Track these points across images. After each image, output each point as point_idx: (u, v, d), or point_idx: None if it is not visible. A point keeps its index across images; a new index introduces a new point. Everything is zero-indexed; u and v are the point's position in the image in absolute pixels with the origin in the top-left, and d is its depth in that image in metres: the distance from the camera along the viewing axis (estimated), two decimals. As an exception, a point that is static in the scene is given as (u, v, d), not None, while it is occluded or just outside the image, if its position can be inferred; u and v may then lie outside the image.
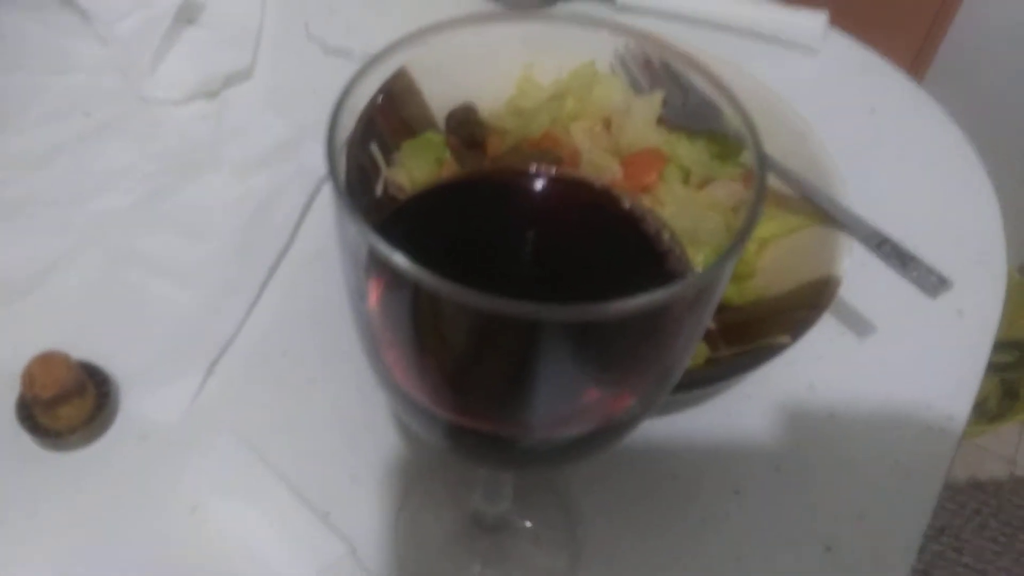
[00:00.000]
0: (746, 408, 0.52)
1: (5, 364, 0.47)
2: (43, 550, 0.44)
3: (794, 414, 0.52)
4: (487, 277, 0.22)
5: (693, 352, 0.27)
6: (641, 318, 0.23)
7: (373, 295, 0.26)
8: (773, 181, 0.51)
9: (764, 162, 0.25)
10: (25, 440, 0.46)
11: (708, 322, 0.26)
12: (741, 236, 0.23)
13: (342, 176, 0.25)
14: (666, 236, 0.33)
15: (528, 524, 0.47)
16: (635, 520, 0.47)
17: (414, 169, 0.36)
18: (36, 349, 0.46)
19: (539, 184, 0.36)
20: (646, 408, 0.29)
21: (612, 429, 0.29)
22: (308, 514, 0.45)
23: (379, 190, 0.34)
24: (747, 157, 0.49)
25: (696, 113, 0.49)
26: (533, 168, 0.36)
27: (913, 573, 0.47)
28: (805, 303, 0.46)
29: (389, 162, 0.34)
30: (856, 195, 0.51)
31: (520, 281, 0.31)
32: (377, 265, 0.24)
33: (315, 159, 0.60)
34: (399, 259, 0.22)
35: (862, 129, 0.68)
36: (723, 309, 0.50)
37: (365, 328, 0.28)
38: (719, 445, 0.50)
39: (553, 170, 0.35)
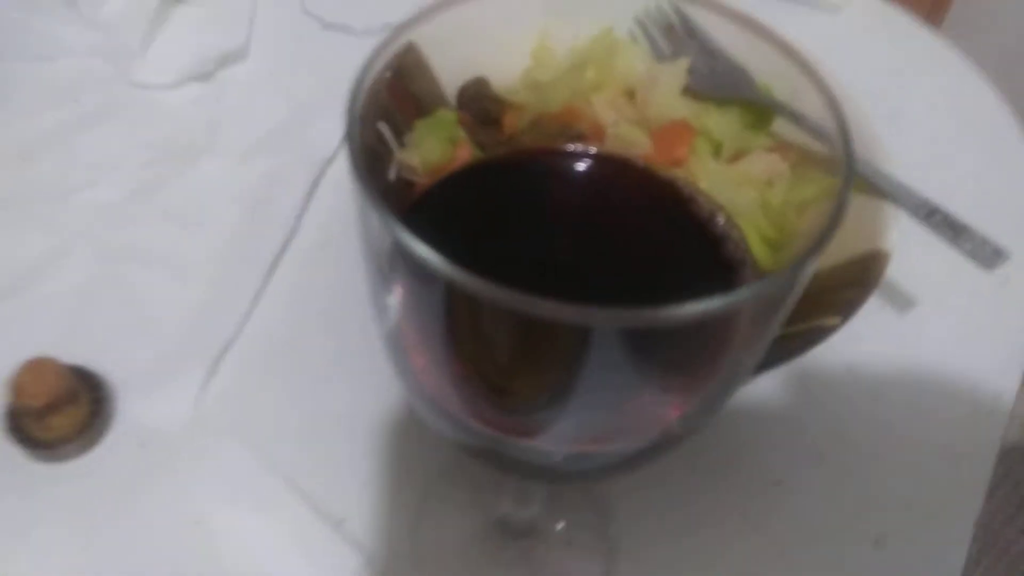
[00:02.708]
0: (782, 395, 0.49)
1: (-9, 372, 0.44)
2: (37, 569, 0.41)
3: (834, 399, 0.49)
4: (526, 270, 0.19)
5: (755, 362, 0.24)
6: (708, 322, 0.20)
7: (399, 296, 0.23)
8: (808, 140, 0.48)
9: (851, 153, 0.22)
10: (15, 452, 0.44)
11: (778, 328, 0.23)
12: (828, 230, 0.20)
13: (360, 162, 0.22)
14: (721, 220, 0.29)
15: (560, 526, 0.44)
16: (671, 517, 0.44)
17: (427, 150, 0.33)
18: (24, 355, 0.43)
19: (574, 164, 0.32)
20: (703, 419, 0.25)
21: (661, 444, 0.26)
22: (321, 523, 0.42)
23: (392, 174, 0.31)
24: (780, 126, 0.46)
25: (725, 80, 0.46)
26: (566, 147, 0.32)
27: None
28: (852, 280, 0.42)
29: (401, 143, 0.31)
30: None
31: (565, 274, 0.28)
32: (405, 263, 0.21)
33: (318, 141, 0.57)
34: (435, 259, 0.19)
35: (888, 90, 0.64)
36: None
37: (390, 332, 0.24)
38: (756, 435, 0.47)
39: (590, 148, 0.32)
